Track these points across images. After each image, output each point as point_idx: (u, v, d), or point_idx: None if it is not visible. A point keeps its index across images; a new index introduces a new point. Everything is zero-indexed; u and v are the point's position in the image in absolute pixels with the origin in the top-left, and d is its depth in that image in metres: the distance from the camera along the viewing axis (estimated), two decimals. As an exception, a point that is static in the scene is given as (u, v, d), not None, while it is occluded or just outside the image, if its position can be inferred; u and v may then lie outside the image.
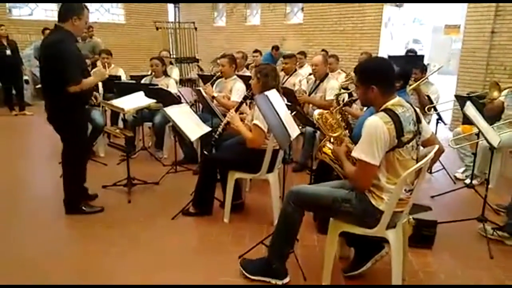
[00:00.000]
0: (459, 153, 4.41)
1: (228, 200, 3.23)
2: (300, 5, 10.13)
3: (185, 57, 10.03)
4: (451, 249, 2.89)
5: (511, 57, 6.13)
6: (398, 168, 2.05)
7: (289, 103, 3.62)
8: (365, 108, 3.21)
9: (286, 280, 2.41)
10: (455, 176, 4.46)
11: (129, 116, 4.60)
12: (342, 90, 4.04)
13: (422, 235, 2.85)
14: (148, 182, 3.97)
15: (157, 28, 9.82)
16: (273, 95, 2.63)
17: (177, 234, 3.05)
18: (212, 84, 4.53)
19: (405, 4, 8.36)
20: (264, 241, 2.69)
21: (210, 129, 3.46)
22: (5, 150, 5.38)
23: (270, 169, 3.13)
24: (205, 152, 3.53)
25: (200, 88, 4.25)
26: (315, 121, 2.56)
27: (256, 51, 7.30)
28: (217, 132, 3.33)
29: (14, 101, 7.73)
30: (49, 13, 10.93)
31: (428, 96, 4.36)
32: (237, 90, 4.33)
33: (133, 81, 5.08)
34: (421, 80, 4.32)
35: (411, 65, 4.09)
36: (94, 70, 5.17)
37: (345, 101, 3.51)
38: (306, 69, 6.21)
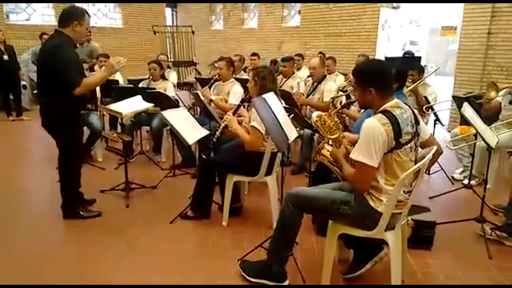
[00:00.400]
0: (457, 154, 4.43)
1: (227, 203, 3.23)
2: (297, 8, 10.14)
3: (183, 61, 10.01)
4: (450, 250, 2.90)
5: (507, 57, 6.15)
6: (396, 169, 2.05)
7: (287, 106, 3.62)
8: (362, 110, 3.22)
9: (286, 282, 2.41)
10: (453, 177, 4.46)
11: (126, 120, 4.60)
12: (340, 92, 4.05)
13: (421, 236, 2.85)
14: (146, 186, 3.97)
15: (154, 32, 9.80)
16: (270, 98, 2.64)
17: (175, 238, 3.04)
18: (210, 87, 4.54)
19: (402, 6, 8.39)
20: (263, 244, 2.68)
21: (208, 132, 3.46)
22: (2, 155, 5.36)
23: (269, 172, 3.13)
24: (203, 156, 3.53)
25: (198, 92, 4.24)
26: (313, 123, 2.56)
27: (254, 54, 7.32)
28: (215, 135, 3.33)
29: (12, 106, 7.72)
30: (47, 18, 10.90)
31: (426, 97, 4.38)
32: (235, 93, 4.34)
33: (131, 85, 5.08)
34: (418, 82, 4.34)
35: (408, 66, 4.11)
36: (91, 73, 5.16)
37: (342, 103, 3.52)
38: (304, 71, 6.24)
